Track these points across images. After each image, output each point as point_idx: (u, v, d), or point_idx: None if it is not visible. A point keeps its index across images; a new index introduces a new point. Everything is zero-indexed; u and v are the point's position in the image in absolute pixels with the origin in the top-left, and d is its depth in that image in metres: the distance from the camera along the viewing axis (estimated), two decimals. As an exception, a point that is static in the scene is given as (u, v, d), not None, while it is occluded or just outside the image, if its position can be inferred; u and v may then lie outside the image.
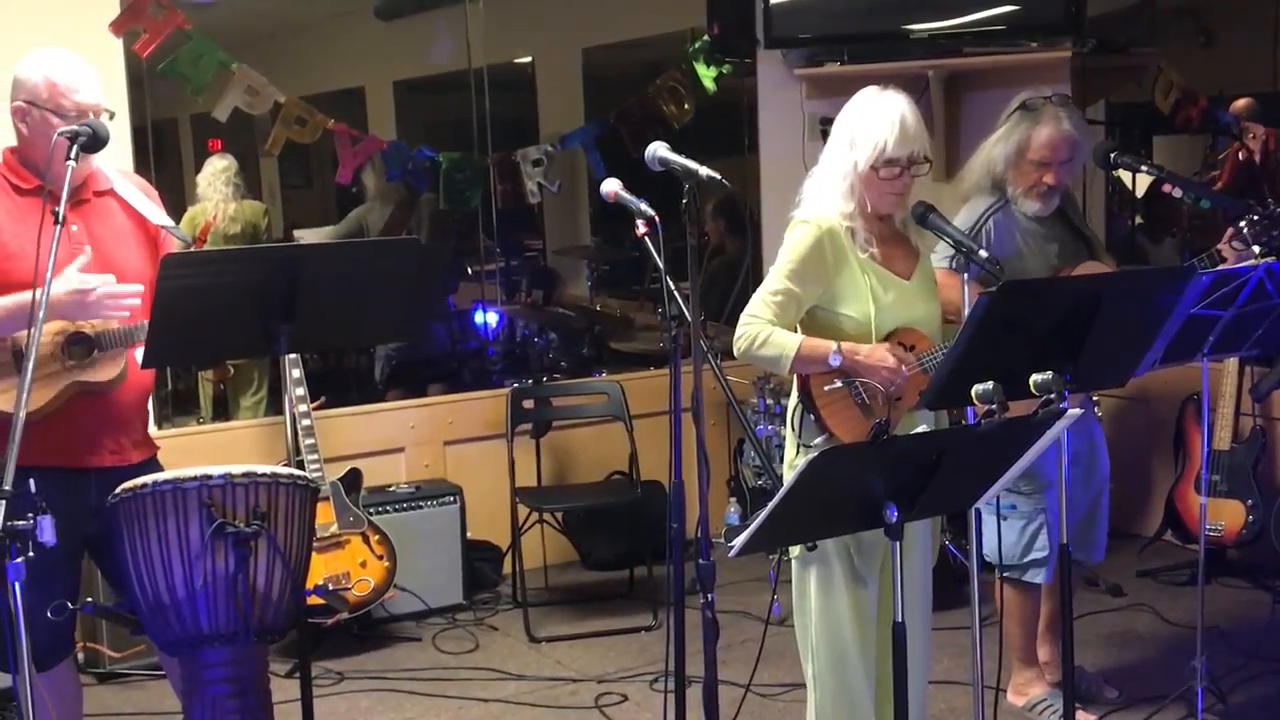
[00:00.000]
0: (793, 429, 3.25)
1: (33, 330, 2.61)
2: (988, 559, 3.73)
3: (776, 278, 3.17)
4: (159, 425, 4.80)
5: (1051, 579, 3.94)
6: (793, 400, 3.26)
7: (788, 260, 3.17)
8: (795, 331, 3.18)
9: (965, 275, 3.20)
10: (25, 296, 2.86)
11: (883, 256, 3.21)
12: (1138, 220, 6.81)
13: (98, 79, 3.12)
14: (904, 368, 3.13)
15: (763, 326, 3.14)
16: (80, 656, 4.36)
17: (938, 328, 3.28)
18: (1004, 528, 3.89)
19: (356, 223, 6.63)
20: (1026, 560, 3.93)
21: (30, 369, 2.58)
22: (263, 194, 6.97)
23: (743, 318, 3.18)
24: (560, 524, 5.57)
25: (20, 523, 2.39)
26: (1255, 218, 3.74)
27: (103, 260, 3.10)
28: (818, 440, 3.18)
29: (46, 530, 2.40)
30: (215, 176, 6.44)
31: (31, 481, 2.45)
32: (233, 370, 6.01)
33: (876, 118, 3.12)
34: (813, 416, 3.18)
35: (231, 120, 5.16)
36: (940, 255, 3.47)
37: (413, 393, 6.15)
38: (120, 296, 2.99)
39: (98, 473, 3.09)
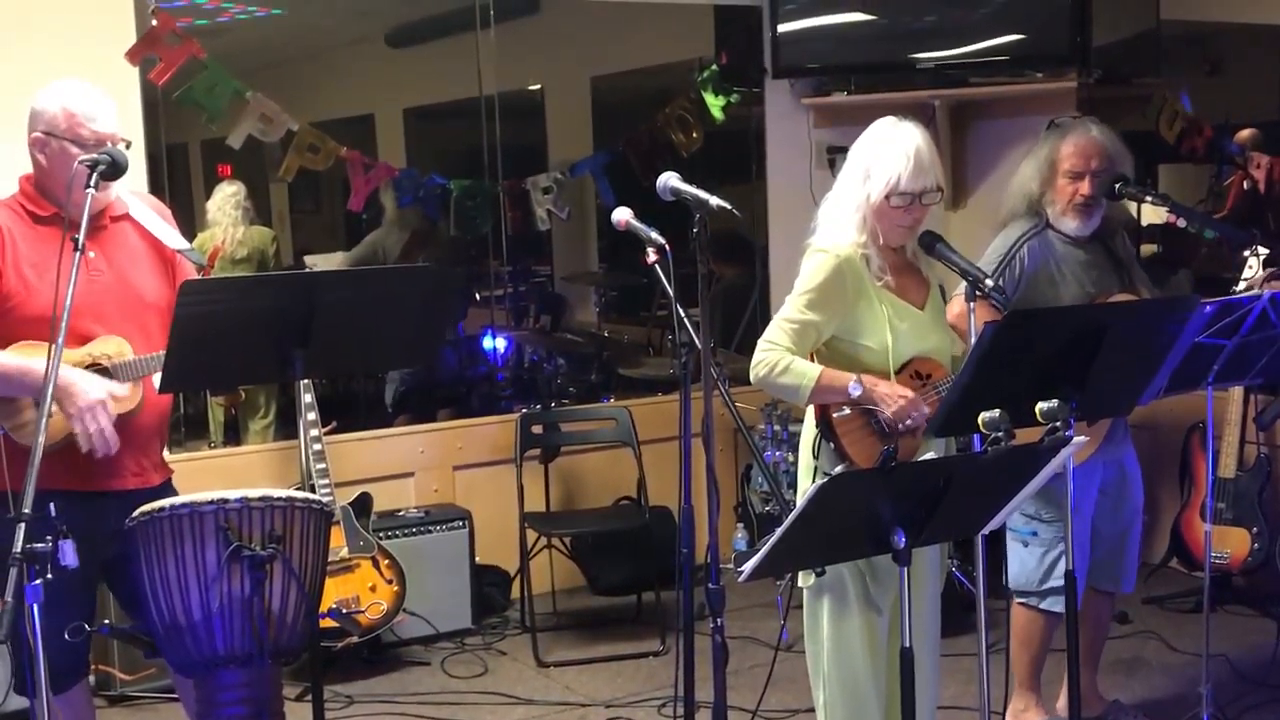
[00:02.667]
0: (813, 455, 3.25)
1: (52, 355, 2.65)
2: (1011, 587, 3.73)
3: (795, 305, 3.17)
4: (170, 449, 4.81)
5: None
6: (808, 428, 3.27)
7: (807, 288, 3.17)
8: (810, 359, 3.20)
9: (971, 304, 3.21)
10: (36, 367, 2.85)
11: (897, 286, 3.23)
12: (1144, 249, 6.81)
13: (115, 109, 3.16)
14: (924, 404, 3.14)
15: (782, 355, 3.13)
16: (91, 679, 4.38)
17: (949, 357, 3.30)
18: (1024, 554, 3.87)
19: (373, 248, 6.65)
20: (1045, 588, 3.90)
21: (50, 393, 2.61)
22: (272, 219, 6.99)
23: (760, 344, 3.17)
24: (569, 549, 5.58)
25: (39, 545, 2.41)
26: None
27: (121, 285, 3.14)
28: (838, 468, 3.17)
29: (69, 554, 2.42)
30: (224, 201, 6.48)
31: (52, 505, 2.49)
32: (244, 395, 6.04)
33: (891, 151, 3.13)
34: (832, 445, 3.19)
35: (242, 146, 5.21)
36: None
37: (422, 418, 6.17)
38: (101, 431, 2.99)
39: (117, 496, 3.12)
